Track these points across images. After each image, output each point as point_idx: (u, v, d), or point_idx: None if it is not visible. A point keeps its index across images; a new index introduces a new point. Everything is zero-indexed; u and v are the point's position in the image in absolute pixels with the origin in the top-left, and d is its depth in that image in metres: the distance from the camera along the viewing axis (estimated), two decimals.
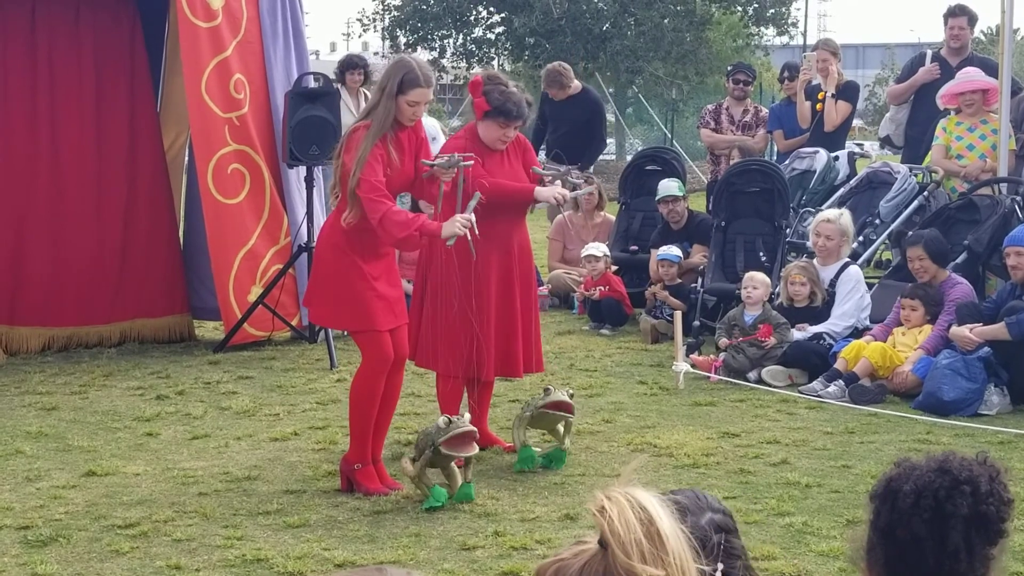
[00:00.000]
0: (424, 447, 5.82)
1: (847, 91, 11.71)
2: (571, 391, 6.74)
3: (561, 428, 6.62)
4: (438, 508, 5.79)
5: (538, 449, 6.65)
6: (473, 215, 5.96)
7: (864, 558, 2.34)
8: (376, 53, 39.92)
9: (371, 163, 5.86)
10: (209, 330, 10.15)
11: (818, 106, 11.59)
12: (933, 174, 10.20)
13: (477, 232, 5.96)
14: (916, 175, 10.28)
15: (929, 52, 11.29)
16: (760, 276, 9.03)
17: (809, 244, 9.52)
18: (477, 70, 32.17)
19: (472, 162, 6.18)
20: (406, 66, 6.04)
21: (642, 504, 1.80)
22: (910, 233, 9.14)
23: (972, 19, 11.00)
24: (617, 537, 1.77)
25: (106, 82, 9.54)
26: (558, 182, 6.83)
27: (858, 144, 13.14)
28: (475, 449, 5.87)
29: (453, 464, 5.89)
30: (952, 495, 2.25)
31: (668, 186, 11.05)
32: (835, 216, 9.30)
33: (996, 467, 2.31)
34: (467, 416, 5.95)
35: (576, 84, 12.48)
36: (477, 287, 6.54)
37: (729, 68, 13.06)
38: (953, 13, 10.99)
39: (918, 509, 2.25)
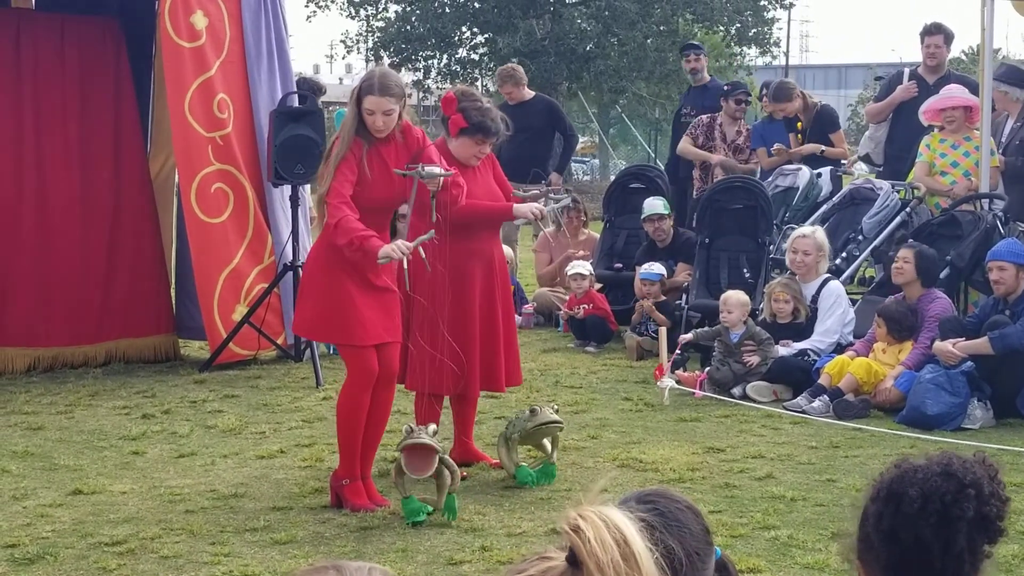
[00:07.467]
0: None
1: (826, 120, 11.78)
2: (555, 407, 6.75)
3: (548, 443, 6.63)
4: (421, 523, 5.79)
5: (536, 467, 6.65)
6: (420, 248, 5.85)
7: (859, 557, 2.33)
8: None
9: (339, 171, 5.86)
10: (195, 349, 10.15)
11: (798, 136, 11.67)
12: (915, 190, 10.24)
13: (417, 261, 5.89)
14: (898, 191, 10.34)
15: (907, 70, 11.33)
16: (735, 299, 8.94)
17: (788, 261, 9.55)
18: None
19: (451, 172, 6.10)
20: (366, 76, 6.07)
21: (616, 524, 1.80)
22: (910, 240, 9.15)
23: (948, 37, 11.04)
24: (595, 559, 1.75)
25: (91, 100, 9.55)
26: (542, 200, 6.84)
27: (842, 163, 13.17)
28: (427, 472, 5.78)
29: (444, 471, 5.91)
30: (958, 499, 2.23)
31: (654, 204, 11.10)
32: (809, 231, 9.34)
33: (995, 467, 2.32)
34: (432, 428, 5.93)
35: (528, 92, 12.55)
36: (462, 303, 6.54)
37: (727, 87, 12.98)
38: (929, 31, 11.05)
39: (925, 514, 2.23)
